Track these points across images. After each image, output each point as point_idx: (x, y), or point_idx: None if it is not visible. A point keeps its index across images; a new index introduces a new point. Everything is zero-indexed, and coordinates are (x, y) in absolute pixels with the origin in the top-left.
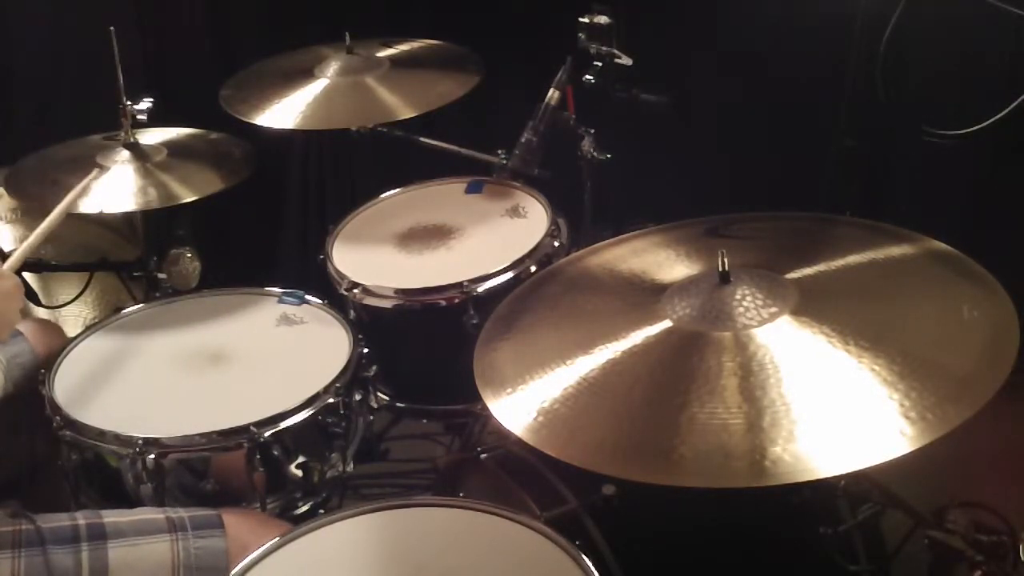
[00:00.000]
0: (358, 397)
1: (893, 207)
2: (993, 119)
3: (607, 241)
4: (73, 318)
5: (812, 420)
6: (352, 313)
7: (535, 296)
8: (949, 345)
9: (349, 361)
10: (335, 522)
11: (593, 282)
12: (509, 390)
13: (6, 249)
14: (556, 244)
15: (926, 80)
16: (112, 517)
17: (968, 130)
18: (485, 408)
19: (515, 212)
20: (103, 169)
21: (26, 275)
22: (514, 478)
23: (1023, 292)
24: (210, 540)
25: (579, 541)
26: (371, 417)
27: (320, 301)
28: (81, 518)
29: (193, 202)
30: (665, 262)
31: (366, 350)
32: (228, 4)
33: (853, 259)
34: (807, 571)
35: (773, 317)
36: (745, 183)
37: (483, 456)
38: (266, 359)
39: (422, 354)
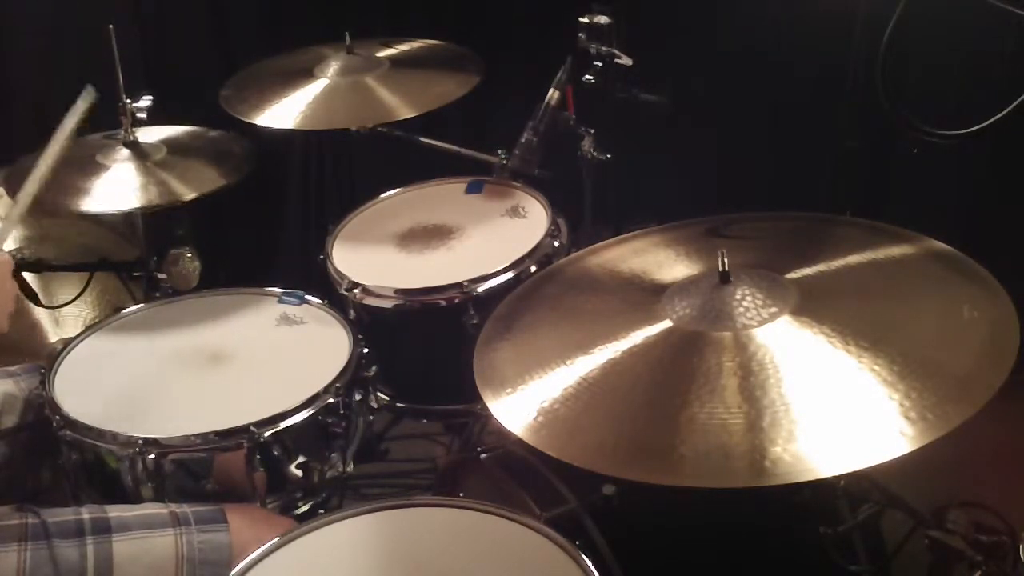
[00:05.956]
0: (358, 397)
1: (893, 207)
2: (993, 119)
3: (607, 241)
4: (73, 318)
5: (812, 420)
6: (352, 313)
7: (535, 296)
8: (949, 345)
9: (349, 361)
10: (335, 522)
11: (593, 282)
12: (509, 390)
13: (6, 249)
14: (556, 244)
15: (926, 80)
16: (116, 511)
17: (968, 130)
18: (485, 408)
19: (515, 212)
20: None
21: (26, 275)
22: (514, 478)
23: (1023, 292)
24: (214, 534)
25: (579, 541)
26: (371, 417)
27: (320, 301)
28: (86, 512)
29: (193, 201)
30: (665, 262)
31: (366, 350)
32: (228, 4)
33: (853, 259)
34: (807, 571)
35: (773, 317)
36: (745, 183)
37: (483, 456)
38: (266, 359)
39: (422, 354)
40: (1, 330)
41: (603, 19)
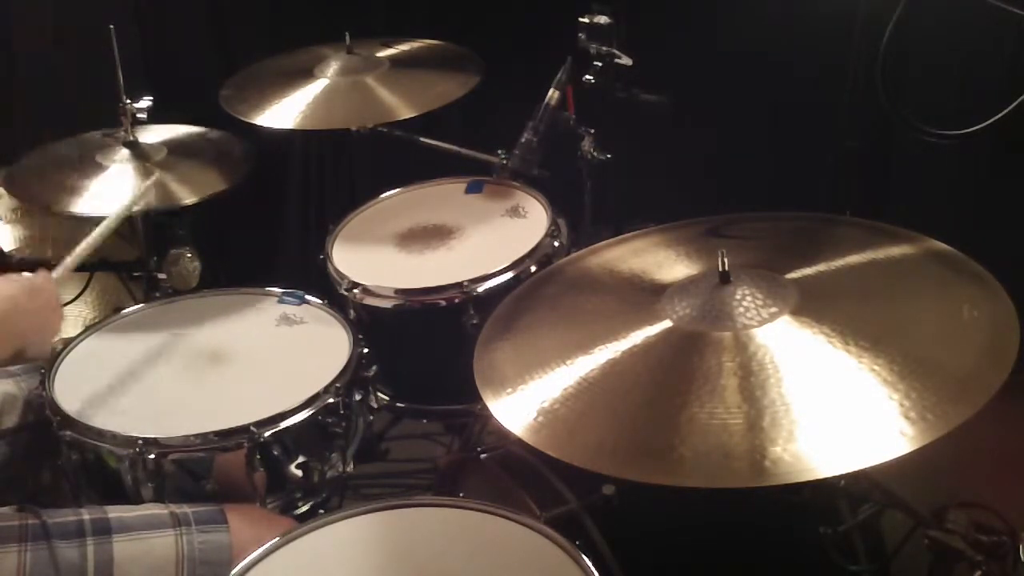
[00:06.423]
0: (358, 397)
1: (893, 207)
2: (993, 119)
3: (607, 241)
4: (73, 318)
5: (812, 420)
6: (352, 313)
7: (535, 296)
8: (949, 345)
9: (349, 361)
10: (335, 522)
11: (593, 282)
12: (509, 390)
13: (6, 249)
14: (556, 244)
15: (926, 80)
16: (117, 512)
17: (968, 130)
18: (485, 408)
19: (515, 212)
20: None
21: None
22: (514, 478)
23: (1023, 292)
24: (214, 535)
25: (579, 541)
26: (371, 417)
27: (320, 301)
28: (86, 513)
29: (193, 204)
30: (665, 262)
31: (366, 350)
32: (228, 4)
33: (853, 259)
34: (807, 571)
35: (773, 317)
36: (745, 183)
37: (483, 456)
38: (266, 359)
39: (422, 354)
40: (45, 353)
41: (603, 19)
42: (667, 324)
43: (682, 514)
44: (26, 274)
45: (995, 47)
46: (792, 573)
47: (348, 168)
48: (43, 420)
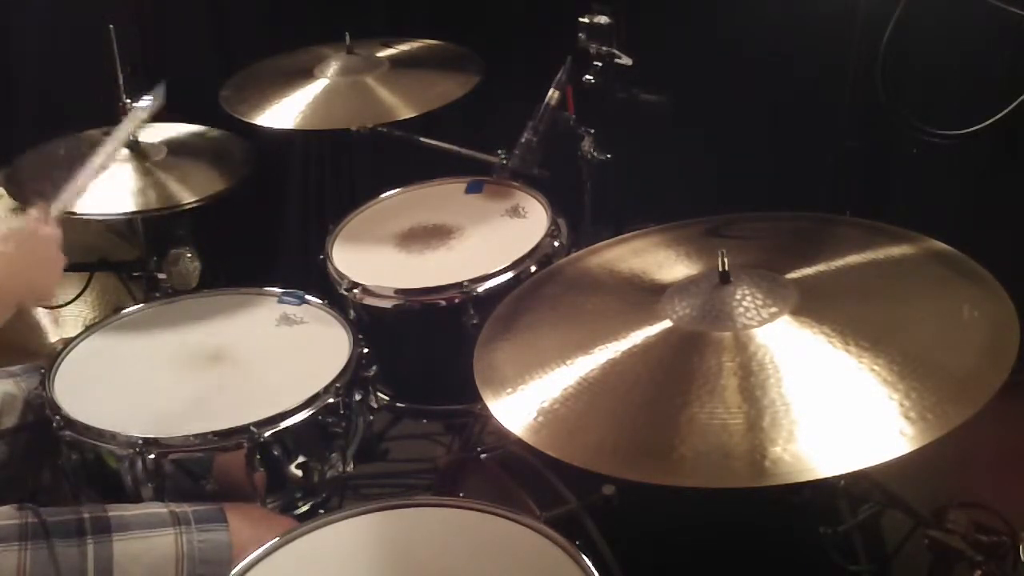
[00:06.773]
0: (358, 397)
1: (893, 207)
2: (993, 119)
3: (607, 241)
4: (73, 318)
5: (812, 420)
6: (352, 313)
7: (535, 296)
8: (949, 345)
9: (349, 361)
10: (335, 522)
11: (593, 282)
12: (509, 390)
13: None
14: (556, 244)
15: (926, 80)
16: (117, 511)
17: (968, 130)
18: (485, 408)
19: (515, 212)
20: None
21: None
22: (514, 478)
23: (1023, 292)
24: (214, 533)
25: (579, 541)
26: (371, 417)
27: (320, 301)
28: (86, 512)
29: (193, 205)
30: (665, 262)
31: (366, 350)
32: (228, 4)
33: (853, 259)
34: (807, 571)
35: (773, 317)
36: (745, 183)
37: (483, 456)
38: (266, 359)
39: (422, 354)
40: (49, 300)
41: (603, 19)
42: (667, 324)
43: (682, 514)
44: (24, 220)
45: (995, 47)
46: (792, 573)
47: (348, 168)
48: (43, 420)
